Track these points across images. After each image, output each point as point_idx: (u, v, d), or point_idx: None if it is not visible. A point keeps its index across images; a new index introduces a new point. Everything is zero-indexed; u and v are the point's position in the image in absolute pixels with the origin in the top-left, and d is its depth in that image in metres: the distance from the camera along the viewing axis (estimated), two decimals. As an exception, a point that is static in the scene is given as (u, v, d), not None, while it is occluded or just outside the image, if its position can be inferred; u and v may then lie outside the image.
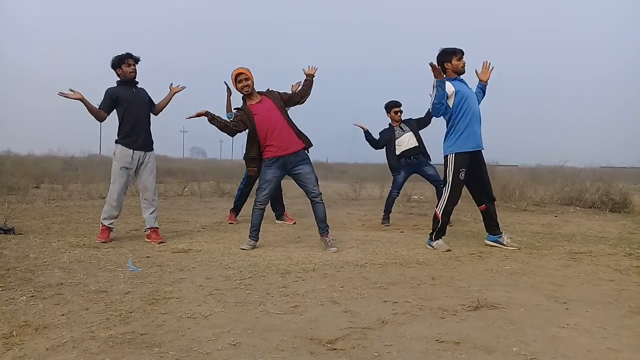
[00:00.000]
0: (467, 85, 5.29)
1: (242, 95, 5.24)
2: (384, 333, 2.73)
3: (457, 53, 5.22)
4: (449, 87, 5.12)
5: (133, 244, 5.31)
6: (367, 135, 7.49)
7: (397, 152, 7.30)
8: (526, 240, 5.95)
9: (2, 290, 3.40)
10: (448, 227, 6.10)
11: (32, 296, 3.29)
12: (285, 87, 5.72)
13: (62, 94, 5.15)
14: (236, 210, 7.44)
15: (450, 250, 5.14)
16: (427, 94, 5.76)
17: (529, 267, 4.46)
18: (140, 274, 3.98)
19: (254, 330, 2.74)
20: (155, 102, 5.66)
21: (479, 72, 5.60)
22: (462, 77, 5.31)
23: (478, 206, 5.54)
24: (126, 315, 2.94)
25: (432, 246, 5.31)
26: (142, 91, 5.53)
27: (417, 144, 7.28)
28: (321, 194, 5.28)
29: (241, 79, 5.13)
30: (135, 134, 5.37)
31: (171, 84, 5.80)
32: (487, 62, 5.62)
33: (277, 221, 7.44)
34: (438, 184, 7.24)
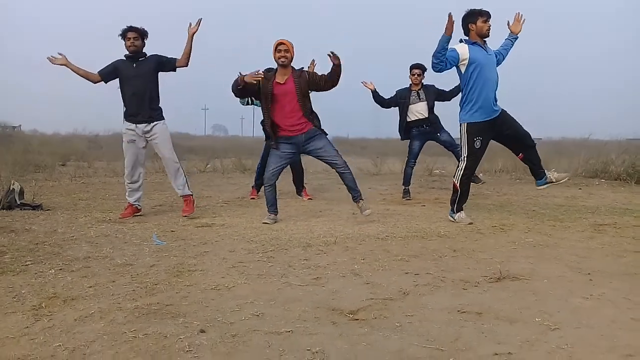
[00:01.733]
0: (486, 51, 5.10)
1: (276, 65, 5.17)
2: (406, 304, 2.74)
3: (484, 15, 5.02)
4: (464, 52, 4.99)
5: (158, 218, 5.39)
6: (375, 95, 7.41)
7: (408, 119, 7.23)
8: (550, 212, 5.89)
9: (32, 263, 3.49)
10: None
11: (61, 269, 3.37)
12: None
13: (49, 58, 5.25)
14: (257, 186, 7.46)
15: (472, 224, 5.11)
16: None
17: (552, 239, 4.42)
18: (165, 247, 4.05)
19: (276, 301, 2.77)
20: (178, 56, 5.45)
21: (510, 23, 5.41)
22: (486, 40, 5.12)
23: (517, 156, 5.48)
24: (151, 287, 2.99)
25: (453, 218, 5.27)
26: (146, 62, 5.37)
27: (425, 116, 7.16)
28: (345, 162, 5.25)
29: (280, 49, 5.09)
30: (135, 107, 5.35)
31: (189, 25, 5.41)
32: (519, 13, 5.41)
33: (297, 195, 7.44)
34: (454, 148, 7.15)
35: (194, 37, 5.36)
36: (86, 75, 5.38)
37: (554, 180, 5.32)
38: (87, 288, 2.98)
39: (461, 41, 5.10)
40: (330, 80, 5.13)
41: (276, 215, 5.29)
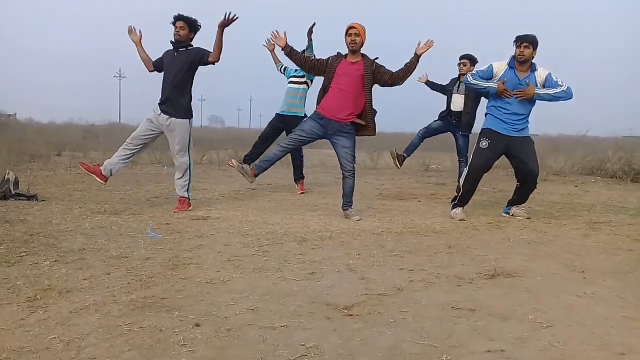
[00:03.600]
0: (519, 79, 5.10)
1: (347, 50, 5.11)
2: (400, 299, 2.76)
3: (517, 41, 5.10)
4: (499, 71, 5.16)
5: (153, 210, 5.38)
6: (431, 85, 7.59)
7: (449, 107, 7.31)
8: (545, 209, 5.91)
9: (27, 255, 3.48)
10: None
11: (56, 261, 3.36)
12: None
13: (130, 28, 5.47)
14: (301, 176, 7.33)
15: (464, 220, 5.14)
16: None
17: (547, 237, 4.44)
18: (160, 240, 4.05)
19: (271, 295, 2.78)
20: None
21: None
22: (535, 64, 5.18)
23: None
24: (147, 280, 3.00)
25: (450, 213, 5.36)
26: (185, 54, 5.29)
27: (460, 110, 7.18)
28: (354, 170, 5.23)
29: (351, 32, 5.00)
30: (163, 95, 5.32)
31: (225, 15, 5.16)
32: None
33: (294, 181, 7.38)
34: (461, 157, 7.28)
35: (224, 31, 5.17)
36: (146, 61, 5.48)
37: (512, 214, 5.44)
38: (82, 280, 2.97)
39: (512, 57, 5.19)
40: (397, 76, 5.08)
41: (254, 177, 5.36)
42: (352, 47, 5.02)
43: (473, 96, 7.06)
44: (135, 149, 5.38)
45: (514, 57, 5.13)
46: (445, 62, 7.50)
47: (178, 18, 5.27)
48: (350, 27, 5.03)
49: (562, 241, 4.28)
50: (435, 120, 7.50)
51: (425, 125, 7.54)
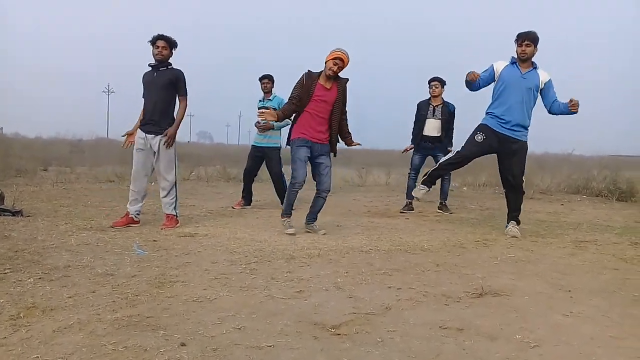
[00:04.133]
0: (521, 74, 5.24)
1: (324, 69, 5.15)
2: (388, 319, 2.75)
3: (518, 39, 5.24)
4: (499, 68, 5.32)
5: (140, 227, 5.33)
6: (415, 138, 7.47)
7: (422, 132, 7.33)
8: (532, 228, 5.95)
9: (10, 272, 3.43)
10: (449, 214, 6.28)
11: (40, 278, 3.32)
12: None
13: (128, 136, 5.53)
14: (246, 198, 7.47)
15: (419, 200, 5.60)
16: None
17: (533, 255, 4.46)
18: (146, 257, 4.01)
19: (258, 314, 2.76)
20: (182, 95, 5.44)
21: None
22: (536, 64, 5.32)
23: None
24: (132, 298, 2.96)
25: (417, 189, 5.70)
26: (166, 73, 5.33)
27: (438, 135, 7.27)
28: (329, 190, 5.33)
29: (336, 62, 5.04)
30: (148, 116, 5.33)
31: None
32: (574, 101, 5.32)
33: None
34: (410, 172, 7.45)
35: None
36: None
37: (508, 234, 5.44)
38: (66, 298, 2.94)
39: (513, 57, 5.34)
40: (342, 126, 5.31)
41: (289, 217, 5.37)
42: (329, 73, 5.08)
43: (448, 119, 7.32)
44: (143, 186, 5.45)
45: (515, 56, 5.29)
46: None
47: (159, 37, 5.30)
48: (338, 58, 5.05)
49: (548, 260, 4.30)
50: (413, 155, 7.49)
51: (410, 166, 7.52)
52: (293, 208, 5.39)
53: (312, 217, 5.41)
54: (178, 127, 5.39)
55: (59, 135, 27.26)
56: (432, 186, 5.67)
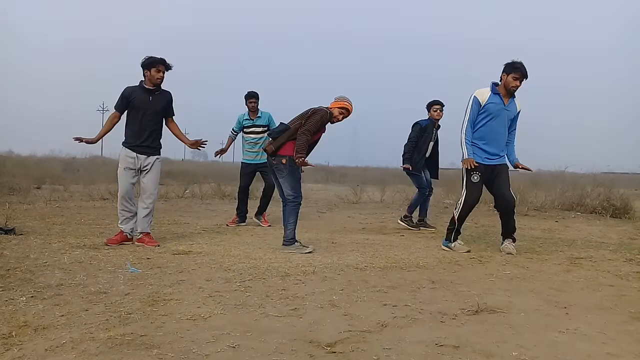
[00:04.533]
0: (504, 105, 5.30)
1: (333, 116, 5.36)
2: (383, 336, 2.72)
3: (517, 73, 5.20)
4: (484, 99, 5.27)
5: (133, 245, 5.30)
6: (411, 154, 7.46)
7: (426, 156, 7.40)
8: (527, 245, 5.95)
9: (2, 290, 3.40)
10: (430, 230, 6.38)
11: (32, 297, 3.28)
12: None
13: (78, 139, 5.35)
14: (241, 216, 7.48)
15: (469, 251, 5.35)
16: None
17: (529, 272, 4.46)
18: (140, 275, 3.98)
19: (253, 332, 2.73)
20: (174, 113, 5.61)
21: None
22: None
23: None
24: (125, 317, 2.93)
25: (449, 247, 5.47)
26: (160, 97, 5.41)
27: (428, 156, 7.43)
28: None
29: (342, 111, 5.35)
30: (140, 138, 5.34)
31: (203, 141, 5.85)
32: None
33: (254, 218, 7.47)
34: (429, 190, 7.54)
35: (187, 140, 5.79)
36: (110, 123, 5.41)
37: (503, 251, 5.44)
38: (59, 317, 2.90)
39: (492, 84, 5.35)
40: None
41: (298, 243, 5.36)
42: (334, 122, 5.38)
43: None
44: (135, 203, 5.44)
45: (497, 84, 5.31)
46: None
47: (162, 62, 5.32)
48: (344, 108, 5.35)
49: (544, 277, 4.29)
50: (418, 174, 7.44)
51: (421, 184, 7.46)
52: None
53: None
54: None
55: (53, 153, 27.23)
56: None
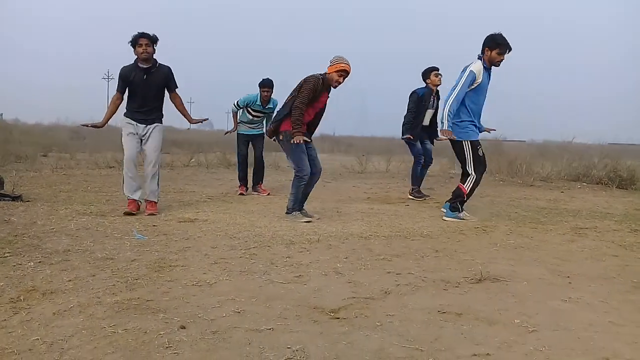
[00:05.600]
0: (489, 78, 5.40)
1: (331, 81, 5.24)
2: (387, 303, 2.75)
3: (503, 48, 5.21)
4: (479, 74, 5.27)
5: (140, 213, 5.33)
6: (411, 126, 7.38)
7: (423, 123, 7.33)
8: (531, 215, 5.95)
9: (10, 255, 3.44)
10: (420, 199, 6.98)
11: (40, 262, 3.32)
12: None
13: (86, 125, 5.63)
14: (244, 181, 7.54)
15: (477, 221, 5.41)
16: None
17: (533, 242, 4.46)
18: (146, 242, 4.02)
19: (258, 298, 2.76)
20: (177, 89, 5.59)
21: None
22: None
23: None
24: (132, 282, 2.97)
25: (457, 217, 5.47)
26: (157, 74, 5.37)
27: (428, 124, 7.35)
28: (321, 170, 5.47)
29: (342, 73, 5.16)
30: (142, 114, 5.36)
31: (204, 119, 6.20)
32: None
33: (252, 191, 7.53)
34: (428, 161, 7.54)
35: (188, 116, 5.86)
36: (113, 104, 5.43)
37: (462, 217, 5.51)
38: (66, 282, 2.94)
39: (479, 58, 5.33)
40: (292, 113, 5.18)
41: (301, 212, 5.37)
42: (335, 86, 5.23)
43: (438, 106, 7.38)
44: (136, 166, 5.45)
45: (483, 59, 5.30)
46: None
47: (140, 36, 5.26)
48: (343, 70, 5.14)
49: (548, 246, 4.30)
50: (415, 143, 7.37)
51: (416, 152, 7.43)
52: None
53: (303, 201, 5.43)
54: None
55: (59, 122, 27.25)
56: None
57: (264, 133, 7.51)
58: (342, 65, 5.13)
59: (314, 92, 5.13)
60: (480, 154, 5.39)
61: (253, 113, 7.39)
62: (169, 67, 5.48)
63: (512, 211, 6.21)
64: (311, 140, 5.38)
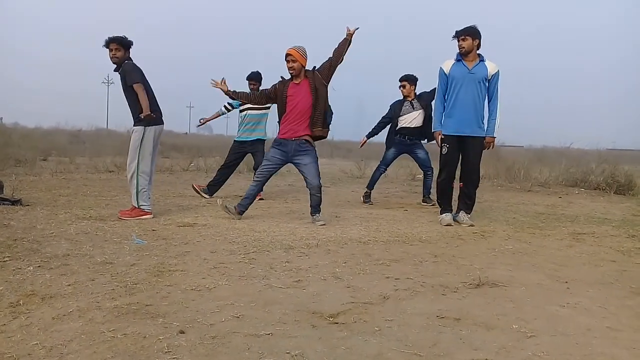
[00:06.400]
0: (468, 69, 5.31)
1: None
2: (385, 308, 2.76)
3: (455, 36, 5.33)
4: (447, 69, 5.38)
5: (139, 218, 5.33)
6: (374, 133, 7.46)
7: (397, 127, 7.20)
8: (530, 220, 5.96)
9: (10, 260, 3.45)
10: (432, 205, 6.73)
11: (39, 266, 3.33)
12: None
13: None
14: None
15: (450, 225, 5.36)
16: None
17: (531, 247, 4.48)
18: (145, 246, 4.02)
19: (257, 303, 2.77)
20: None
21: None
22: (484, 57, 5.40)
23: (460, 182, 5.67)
24: (131, 287, 2.97)
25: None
26: (121, 74, 5.32)
27: (420, 125, 7.11)
28: (320, 186, 5.40)
29: (289, 59, 5.14)
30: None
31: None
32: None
33: None
34: (426, 169, 7.36)
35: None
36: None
37: (460, 221, 5.52)
38: (65, 286, 2.95)
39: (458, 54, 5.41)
40: (335, 59, 5.20)
41: (240, 215, 5.43)
42: (291, 73, 5.20)
43: (429, 100, 7.07)
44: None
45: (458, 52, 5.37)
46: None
47: (111, 40, 5.25)
48: (286, 55, 5.15)
49: (546, 252, 4.31)
50: (387, 150, 7.37)
51: (381, 159, 7.45)
52: None
53: (312, 210, 5.47)
54: (148, 110, 5.23)
55: (59, 126, 27.25)
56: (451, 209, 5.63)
57: (262, 139, 7.39)
58: (285, 52, 5.17)
59: (267, 93, 5.34)
60: (444, 152, 5.41)
61: (247, 111, 7.31)
62: (128, 63, 5.30)
63: (510, 216, 6.23)
64: (312, 142, 5.34)
